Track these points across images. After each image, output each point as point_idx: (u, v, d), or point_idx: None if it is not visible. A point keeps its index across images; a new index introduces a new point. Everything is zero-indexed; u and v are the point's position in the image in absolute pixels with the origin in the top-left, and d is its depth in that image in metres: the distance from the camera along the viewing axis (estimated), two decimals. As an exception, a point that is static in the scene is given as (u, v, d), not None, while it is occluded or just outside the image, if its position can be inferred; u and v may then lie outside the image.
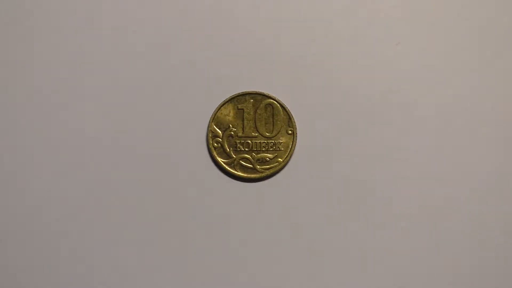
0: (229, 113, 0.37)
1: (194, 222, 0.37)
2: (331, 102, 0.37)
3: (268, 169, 0.37)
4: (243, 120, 0.37)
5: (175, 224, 0.37)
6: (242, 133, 0.37)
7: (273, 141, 0.37)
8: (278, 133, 0.37)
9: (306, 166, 0.37)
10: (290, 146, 0.37)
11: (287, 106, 0.37)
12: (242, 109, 0.37)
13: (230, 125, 0.37)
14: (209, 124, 0.37)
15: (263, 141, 0.37)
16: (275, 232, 0.37)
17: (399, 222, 0.37)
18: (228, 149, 0.37)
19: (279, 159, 0.37)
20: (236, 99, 0.37)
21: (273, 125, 0.37)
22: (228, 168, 0.37)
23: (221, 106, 0.37)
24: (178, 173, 0.37)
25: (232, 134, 0.37)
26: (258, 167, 0.37)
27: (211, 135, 0.37)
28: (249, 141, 0.37)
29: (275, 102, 0.37)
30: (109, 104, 0.37)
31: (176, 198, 0.37)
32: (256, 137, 0.37)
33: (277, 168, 0.37)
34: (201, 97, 0.37)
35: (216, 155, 0.37)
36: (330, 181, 0.37)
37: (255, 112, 0.37)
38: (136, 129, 0.37)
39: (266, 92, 0.37)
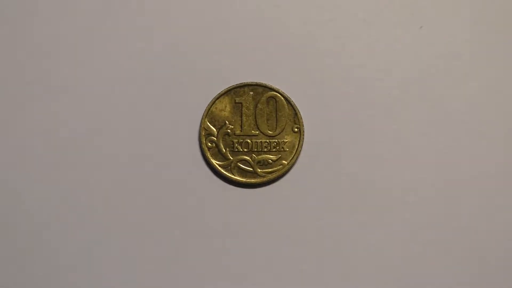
0: (225, 108, 0.35)
1: (184, 234, 0.35)
2: (343, 95, 0.36)
3: (270, 172, 0.35)
4: (241, 116, 0.35)
5: (161, 237, 0.35)
6: (241, 131, 0.35)
7: (276, 140, 0.35)
8: (282, 131, 0.35)
9: (315, 170, 0.35)
10: (296, 146, 0.35)
11: (292, 99, 0.35)
12: (240, 103, 0.35)
13: (227, 122, 0.35)
14: (201, 121, 0.35)
15: (265, 140, 0.35)
16: (279, 246, 0.35)
17: (423, 233, 0.35)
18: (224, 150, 0.35)
19: (284, 161, 0.35)
20: (233, 92, 0.35)
21: (276, 122, 0.35)
22: (224, 172, 0.35)
23: (216, 99, 0.35)
24: (165, 178, 0.35)
25: (228, 132, 0.35)
26: (259, 170, 0.35)
27: (204, 134, 0.35)
28: (249, 141, 0.35)
29: (278, 95, 0.35)
30: (86, 96, 0.35)
31: (163, 207, 0.35)
32: (256, 135, 0.35)
33: (281, 171, 0.35)
34: (192, 89, 0.35)
35: (210, 157, 0.35)
36: (343, 187, 0.35)
37: (256, 106, 0.35)
38: (117, 127, 0.35)
39: (268, 83, 0.35)
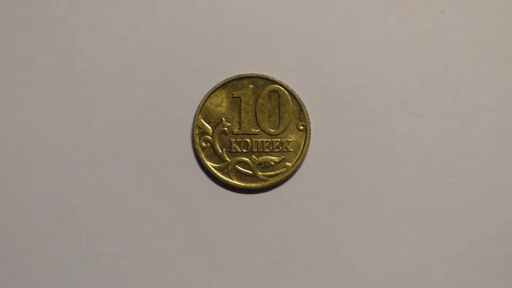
0: (221, 103, 0.35)
1: (175, 247, 0.35)
2: (355, 88, 0.35)
3: (273, 176, 0.35)
4: (239, 112, 0.35)
5: (148, 251, 0.35)
6: (239, 129, 0.35)
7: (279, 139, 0.35)
8: (286, 129, 0.35)
9: (323, 173, 0.35)
10: (302, 146, 0.35)
11: (297, 93, 0.35)
12: (239, 97, 0.35)
13: (223, 119, 0.35)
14: (195, 118, 0.35)
15: (267, 139, 0.35)
16: (282, 260, 0.35)
17: (444, 245, 0.35)
18: (220, 150, 0.35)
19: (287, 163, 0.35)
20: (231, 85, 0.35)
21: (279, 119, 0.35)
22: (221, 175, 0.35)
23: (211, 93, 0.35)
24: (153, 183, 0.35)
25: (225, 130, 0.35)
26: (260, 173, 0.35)
27: (197, 132, 0.35)
28: (248, 140, 0.35)
29: (281, 88, 0.35)
30: (66, 89, 0.35)
31: (150, 216, 0.35)
32: (257, 134, 0.35)
33: (285, 175, 0.35)
34: (184, 81, 0.35)
35: (204, 158, 0.35)
36: (355, 192, 0.35)
37: (256, 101, 0.35)
38: (98, 125, 0.35)
39: (270, 75, 0.35)
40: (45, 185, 0.35)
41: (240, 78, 0.35)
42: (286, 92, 0.35)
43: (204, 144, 0.35)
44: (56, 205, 0.35)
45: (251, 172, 0.35)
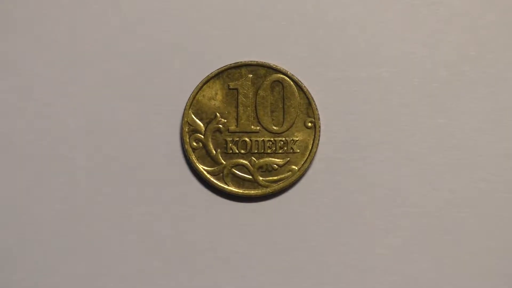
0: (215, 96, 0.34)
1: (163, 263, 0.34)
2: (372, 79, 0.35)
3: (276, 181, 0.34)
4: (237, 107, 0.34)
5: (130, 266, 0.34)
6: (236, 126, 0.34)
7: (283, 138, 0.34)
8: (291, 126, 0.34)
9: (334, 178, 0.34)
10: (310, 147, 0.34)
11: (305, 84, 0.34)
12: (236, 89, 0.34)
13: (218, 114, 0.34)
14: (184, 113, 0.34)
15: (269, 138, 0.34)
16: (286, 279, 0.34)
17: (475, 263, 0.34)
18: (214, 152, 0.34)
19: (293, 167, 0.34)
20: (227, 74, 0.34)
21: (283, 114, 0.34)
22: (215, 181, 0.34)
23: (204, 84, 0.34)
24: (137, 189, 0.34)
25: (220, 128, 0.34)
26: (261, 179, 0.34)
27: (187, 130, 0.34)
28: (247, 139, 0.34)
29: (286, 78, 0.34)
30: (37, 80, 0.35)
31: (133, 227, 0.34)
32: (257, 132, 0.34)
33: (290, 180, 0.34)
34: (172, 70, 0.35)
35: (195, 161, 0.34)
36: (371, 200, 0.34)
37: (256, 93, 0.34)
38: (74, 121, 0.34)
39: (272, 63, 0.34)
40: (13, 189, 0.34)
41: (238, 66, 0.34)
42: (291, 82, 0.34)
43: (195, 144, 0.34)
44: (22, 216, 0.34)
45: (250, 177, 0.34)
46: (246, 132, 0.34)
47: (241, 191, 0.34)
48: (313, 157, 0.34)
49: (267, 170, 0.34)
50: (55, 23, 0.35)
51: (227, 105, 0.34)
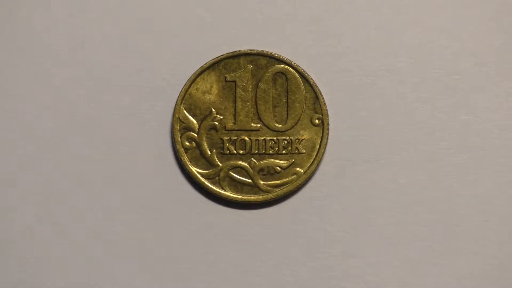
0: (210, 89, 0.33)
1: (154, 276, 0.32)
2: (386, 70, 0.33)
3: (279, 186, 0.33)
4: (235, 101, 0.33)
5: (119, 281, 0.32)
6: (234, 123, 0.33)
7: (287, 137, 0.33)
8: (296, 123, 0.33)
9: (344, 182, 0.33)
10: (318, 147, 0.33)
11: (311, 76, 0.33)
12: (234, 81, 0.33)
13: (213, 110, 0.33)
14: (175, 109, 0.33)
15: (271, 137, 0.33)
16: None
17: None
18: (209, 152, 0.33)
19: (298, 169, 0.33)
20: (223, 65, 0.33)
21: (287, 110, 0.33)
22: (210, 185, 0.33)
23: (197, 76, 0.33)
24: (123, 195, 0.33)
25: (216, 125, 0.33)
26: (262, 182, 0.33)
27: (179, 128, 0.33)
28: (246, 138, 0.33)
29: (290, 69, 0.33)
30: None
31: (119, 236, 0.33)
32: (258, 130, 0.33)
33: (295, 184, 0.33)
34: (163, 61, 0.33)
35: (187, 162, 0.33)
36: (384, 207, 0.33)
37: (256, 86, 0.33)
38: (59, 115, 0.33)
39: (275, 52, 0.33)
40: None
41: (236, 55, 0.33)
42: (296, 74, 0.33)
43: (187, 143, 0.33)
44: (6, 223, 0.34)
45: (250, 180, 0.33)
46: (245, 130, 0.33)
47: (239, 196, 0.33)
48: (321, 158, 0.33)
49: (269, 173, 0.33)
50: (37, 13, 0.33)
51: (224, 99, 0.33)
